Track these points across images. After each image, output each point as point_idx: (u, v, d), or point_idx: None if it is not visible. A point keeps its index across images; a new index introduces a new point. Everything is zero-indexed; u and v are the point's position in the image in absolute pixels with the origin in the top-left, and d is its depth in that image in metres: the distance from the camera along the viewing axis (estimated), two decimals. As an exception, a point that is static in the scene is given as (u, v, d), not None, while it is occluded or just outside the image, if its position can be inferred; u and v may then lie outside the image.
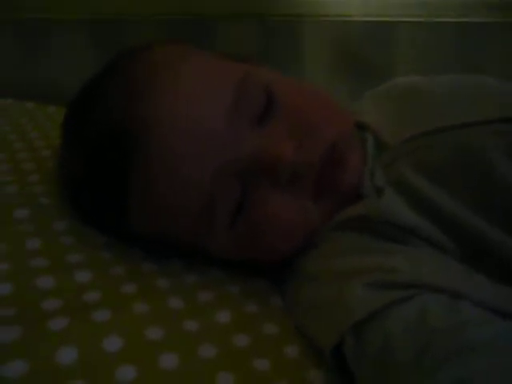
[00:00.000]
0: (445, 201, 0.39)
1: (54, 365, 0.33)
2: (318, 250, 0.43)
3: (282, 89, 0.44)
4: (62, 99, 0.49)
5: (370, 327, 0.34)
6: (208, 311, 0.41)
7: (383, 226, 0.40)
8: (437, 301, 0.33)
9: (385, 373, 0.32)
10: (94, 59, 0.86)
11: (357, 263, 0.38)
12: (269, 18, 0.82)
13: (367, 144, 0.47)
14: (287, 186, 0.42)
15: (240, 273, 0.47)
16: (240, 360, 0.37)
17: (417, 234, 0.39)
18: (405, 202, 0.40)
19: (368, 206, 0.41)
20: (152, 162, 0.41)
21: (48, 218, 0.48)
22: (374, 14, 0.79)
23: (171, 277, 0.44)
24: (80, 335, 0.35)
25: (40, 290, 0.39)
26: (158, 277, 0.44)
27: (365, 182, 0.43)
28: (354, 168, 0.44)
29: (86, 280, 0.41)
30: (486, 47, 0.78)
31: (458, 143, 0.41)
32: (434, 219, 0.39)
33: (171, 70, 0.43)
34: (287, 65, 0.84)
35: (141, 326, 0.37)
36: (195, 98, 0.41)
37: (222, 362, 0.36)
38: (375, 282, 0.36)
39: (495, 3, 0.79)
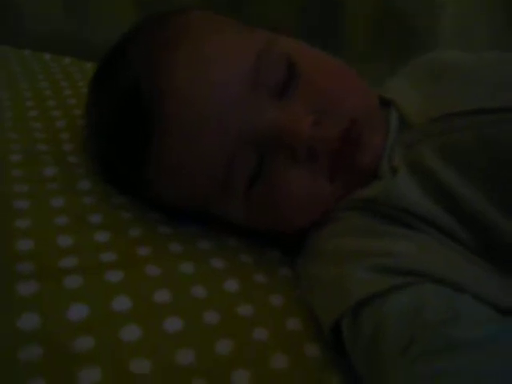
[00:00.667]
0: (461, 188, 0.38)
1: (64, 320, 0.35)
2: (329, 228, 0.43)
3: (304, 61, 0.44)
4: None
5: (367, 310, 0.35)
6: (217, 278, 0.42)
7: (393, 210, 0.39)
8: (436, 292, 0.33)
9: (374, 357, 0.33)
10: (134, 16, 0.87)
11: (362, 245, 0.39)
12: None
13: (390, 122, 0.46)
14: (304, 161, 0.42)
15: (255, 242, 0.48)
16: (241, 328, 0.38)
17: (427, 220, 0.38)
18: (419, 185, 0.40)
19: (380, 188, 0.40)
20: (170, 124, 0.42)
21: (74, 176, 0.50)
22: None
23: (185, 242, 0.46)
24: (92, 294, 0.38)
25: (59, 248, 0.41)
26: (173, 241, 0.45)
27: (383, 162, 0.43)
28: (373, 147, 0.43)
29: (103, 240, 0.43)
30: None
31: (483, 129, 0.39)
32: (448, 206, 0.38)
33: (194, 37, 0.43)
34: (326, 30, 0.82)
35: (150, 288, 0.39)
36: (215, 65, 0.41)
37: (223, 329, 0.38)
38: (378, 265, 0.36)
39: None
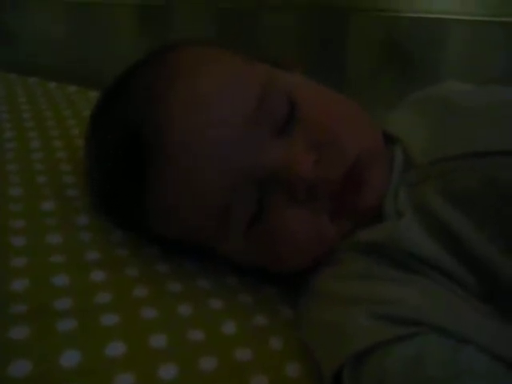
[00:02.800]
0: (465, 230, 0.37)
1: (56, 367, 0.34)
2: (331, 269, 0.42)
3: (306, 97, 0.43)
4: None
5: (369, 360, 0.34)
6: (215, 321, 0.41)
7: (397, 253, 0.38)
8: (440, 345, 0.32)
9: None
10: (140, 45, 0.87)
11: (364, 290, 0.37)
12: (313, 10, 0.79)
13: (395, 160, 0.45)
14: (305, 201, 0.41)
15: (254, 279, 0.47)
16: (239, 375, 0.37)
17: (432, 264, 0.37)
18: (424, 228, 0.39)
19: (384, 232, 0.39)
20: (168, 165, 0.41)
21: (72, 211, 0.49)
22: (423, 10, 0.75)
23: (184, 281, 0.45)
24: (85, 338, 0.36)
25: (54, 288, 0.40)
26: (171, 280, 0.44)
27: (387, 202, 0.42)
28: (376, 188, 0.42)
29: (99, 279, 0.42)
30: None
31: (487, 173, 0.39)
32: (453, 249, 0.37)
33: (193, 74, 0.43)
34: (331, 59, 0.82)
35: (146, 332, 0.38)
36: (215, 103, 0.41)
37: (219, 377, 0.37)
38: (380, 312, 0.35)
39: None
